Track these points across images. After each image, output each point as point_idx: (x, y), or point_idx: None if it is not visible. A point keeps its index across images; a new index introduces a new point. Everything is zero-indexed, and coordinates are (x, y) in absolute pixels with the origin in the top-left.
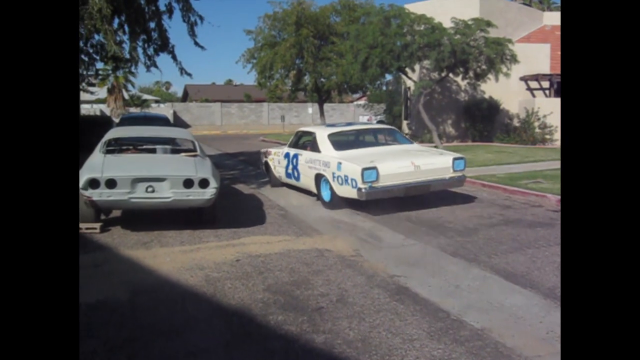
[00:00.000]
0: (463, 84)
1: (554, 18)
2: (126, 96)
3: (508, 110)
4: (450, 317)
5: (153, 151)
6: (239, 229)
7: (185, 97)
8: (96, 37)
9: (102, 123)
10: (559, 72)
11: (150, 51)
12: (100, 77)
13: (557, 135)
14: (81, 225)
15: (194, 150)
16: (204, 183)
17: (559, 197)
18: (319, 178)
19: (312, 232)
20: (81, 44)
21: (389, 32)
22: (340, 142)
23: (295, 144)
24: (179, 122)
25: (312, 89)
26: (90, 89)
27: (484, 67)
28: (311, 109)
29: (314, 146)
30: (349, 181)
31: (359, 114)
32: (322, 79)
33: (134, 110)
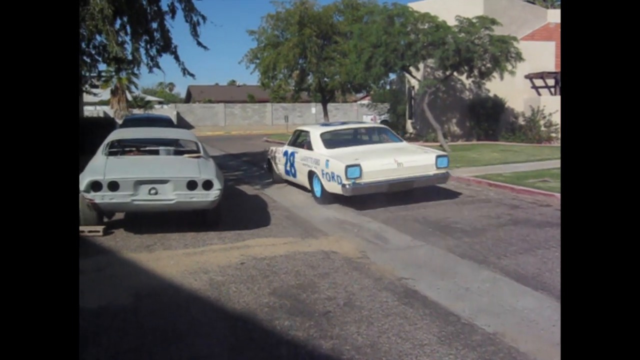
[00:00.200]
0: (468, 82)
1: (557, 15)
2: (129, 97)
3: (513, 109)
4: (460, 321)
5: (156, 153)
6: (243, 231)
7: (188, 98)
8: (98, 38)
9: (105, 124)
10: None
11: (153, 52)
12: (103, 78)
13: None
14: (84, 228)
15: (197, 151)
16: (207, 184)
17: None
18: (311, 175)
19: (317, 234)
20: (83, 45)
21: (392, 31)
22: (332, 140)
23: (293, 143)
24: (182, 123)
25: (316, 88)
26: (94, 90)
27: (488, 65)
28: (315, 109)
29: (308, 144)
30: (335, 177)
31: (363, 114)
32: (326, 79)
33: (137, 111)
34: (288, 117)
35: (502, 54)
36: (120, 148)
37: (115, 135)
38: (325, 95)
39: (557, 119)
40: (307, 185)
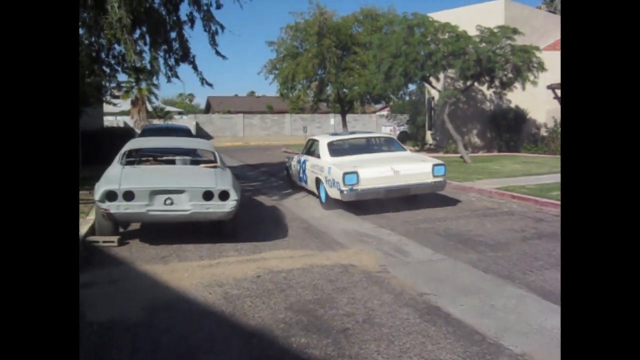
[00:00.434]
0: (488, 93)
1: None
2: (149, 108)
3: (535, 120)
4: (486, 340)
5: (172, 162)
6: (260, 243)
7: (208, 109)
8: (117, 48)
9: (123, 134)
10: None
11: (171, 61)
12: (124, 89)
13: None
14: (98, 238)
15: (214, 161)
16: (224, 195)
17: None
18: (318, 181)
19: (335, 246)
20: (102, 55)
21: (412, 41)
22: (337, 149)
23: (307, 151)
24: (201, 134)
25: (335, 99)
26: (114, 100)
27: (510, 75)
28: (333, 119)
29: (317, 153)
30: (335, 184)
31: (382, 125)
32: (345, 90)
33: (157, 122)
34: (307, 127)
35: (524, 64)
36: (136, 157)
37: (131, 144)
38: (344, 106)
39: None
40: (315, 191)
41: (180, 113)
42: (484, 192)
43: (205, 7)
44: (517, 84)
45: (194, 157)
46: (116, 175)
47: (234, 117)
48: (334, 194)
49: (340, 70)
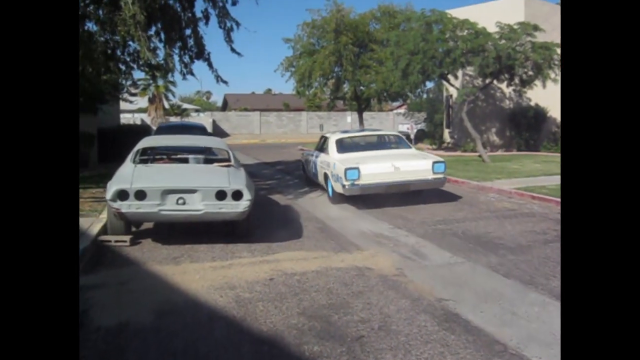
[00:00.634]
0: (508, 90)
1: None
2: (166, 105)
3: (556, 118)
4: (508, 350)
5: (185, 161)
6: (273, 244)
7: (224, 106)
8: (132, 45)
9: (140, 132)
10: None
11: (186, 59)
12: (141, 86)
13: None
14: (110, 237)
15: (228, 159)
16: (237, 195)
17: None
18: (326, 176)
19: (351, 248)
20: (118, 52)
21: (430, 37)
22: (345, 145)
23: (320, 148)
24: (218, 131)
25: (352, 97)
26: (130, 98)
27: (530, 73)
28: (350, 117)
29: (326, 149)
30: (339, 179)
31: (399, 123)
32: (362, 87)
33: (174, 119)
34: (323, 125)
35: (544, 61)
36: (149, 156)
37: (144, 142)
38: (361, 104)
39: None
40: (324, 185)
41: (197, 110)
42: (504, 192)
43: (220, 4)
44: (538, 82)
45: (208, 156)
46: (128, 174)
47: (251, 114)
48: (338, 188)
49: (357, 68)
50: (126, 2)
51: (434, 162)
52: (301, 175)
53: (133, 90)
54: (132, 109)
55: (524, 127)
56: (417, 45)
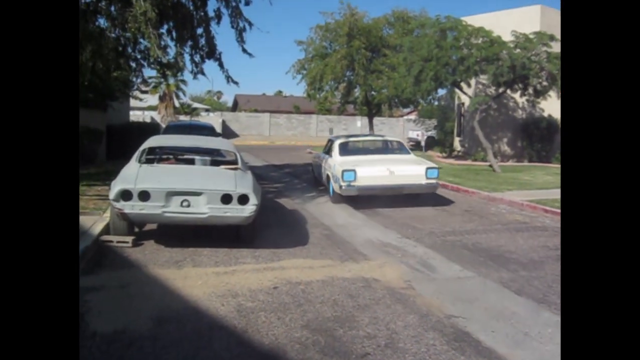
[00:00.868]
0: (521, 100)
1: None
2: (177, 104)
3: None
4: None
5: (192, 162)
6: (279, 250)
7: (235, 107)
8: (143, 42)
9: (149, 129)
10: None
11: (197, 58)
12: (152, 84)
13: None
14: (113, 238)
15: (235, 162)
16: (243, 199)
17: None
18: (328, 177)
19: (358, 257)
20: (129, 49)
21: (444, 44)
22: (346, 149)
23: (327, 151)
24: (227, 132)
25: (362, 102)
26: (141, 95)
27: (545, 83)
28: (360, 122)
29: (331, 152)
30: (337, 180)
31: (409, 129)
32: (373, 92)
33: (183, 118)
34: (333, 129)
35: (559, 71)
36: (155, 156)
37: (150, 142)
38: (371, 109)
39: None
40: (327, 186)
41: (207, 110)
42: (515, 204)
43: (233, 3)
44: (552, 93)
45: (215, 158)
46: (132, 174)
47: (261, 115)
48: (337, 189)
49: (369, 73)
50: None
51: (427, 168)
52: (309, 179)
53: (144, 88)
54: (142, 107)
55: (536, 138)
56: (430, 52)
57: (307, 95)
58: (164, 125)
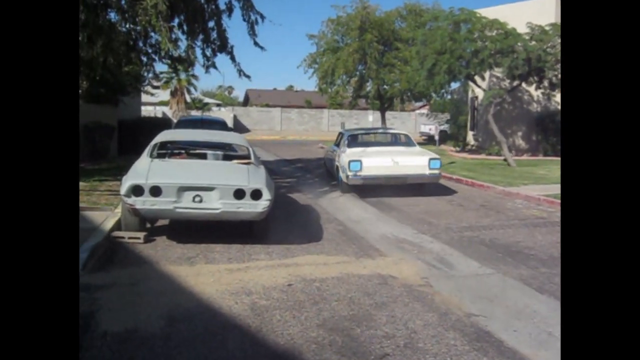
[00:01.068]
0: (536, 94)
1: None
2: (188, 99)
3: None
4: None
5: (204, 157)
6: (292, 246)
7: (246, 102)
8: (154, 36)
9: (160, 124)
10: None
11: (209, 52)
12: (164, 79)
13: None
14: (124, 234)
15: (248, 157)
16: (256, 194)
17: None
18: (337, 168)
19: (373, 253)
20: (140, 43)
21: (458, 37)
22: (355, 141)
23: (337, 143)
24: (238, 126)
25: (374, 96)
26: (152, 90)
27: (560, 76)
28: (372, 116)
29: (341, 144)
30: (344, 170)
31: (421, 123)
32: (385, 86)
33: (195, 113)
34: (344, 124)
35: None
36: (167, 150)
37: (162, 136)
38: (383, 103)
39: None
40: (336, 176)
41: (218, 105)
42: (531, 199)
43: None
44: None
45: (227, 152)
46: (144, 169)
47: (272, 110)
48: (344, 178)
49: (381, 66)
50: None
51: (430, 159)
52: (321, 173)
53: (155, 83)
54: (154, 102)
55: (552, 131)
56: (444, 45)
57: (319, 90)
58: (175, 120)
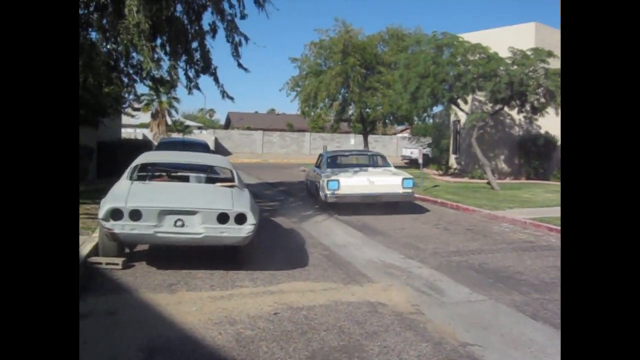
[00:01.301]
0: (518, 117)
1: None
2: (169, 122)
3: None
4: None
5: (186, 179)
6: (277, 272)
7: (227, 125)
8: (136, 57)
9: (140, 146)
10: None
11: (192, 73)
12: (145, 102)
13: None
14: (102, 259)
15: (232, 179)
16: (240, 218)
17: None
18: (316, 187)
19: (361, 279)
20: (121, 64)
21: (441, 61)
22: (333, 162)
23: (318, 165)
24: (220, 149)
25: (357, 119)
26: (133, 112)
27: (542, 100)
28: (353, 140)
29: (320, 165)
30: (323, 189)
31: (403, 146)
32: (368, 109)
33: (176, 135)
34: (326, 147)
35: (558, 88)
36: (148, 172)
37: (143, 158)
38: (366, 126)
39: None
40: (316, 195)
41: (199, 128)
42: (517, 222)
43: (229, 17)
44: (550, 109)
45: (210, 175)
46: (123, 192)
47: (254, 133)
48: (323, 196)
49: (363, 90)
50: (130, 9)
51: (404, 179)
52: (304, 197)
53: (136, 105)
54: (134, 124)
55: (534, 155)
56: (427, 68)
57: (302, 113)
58: (156, 143)
